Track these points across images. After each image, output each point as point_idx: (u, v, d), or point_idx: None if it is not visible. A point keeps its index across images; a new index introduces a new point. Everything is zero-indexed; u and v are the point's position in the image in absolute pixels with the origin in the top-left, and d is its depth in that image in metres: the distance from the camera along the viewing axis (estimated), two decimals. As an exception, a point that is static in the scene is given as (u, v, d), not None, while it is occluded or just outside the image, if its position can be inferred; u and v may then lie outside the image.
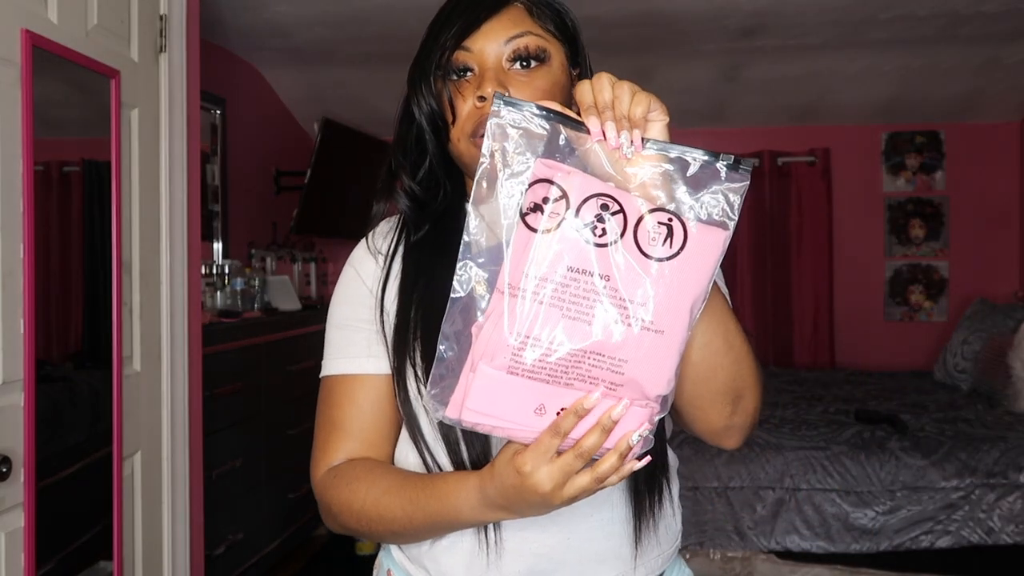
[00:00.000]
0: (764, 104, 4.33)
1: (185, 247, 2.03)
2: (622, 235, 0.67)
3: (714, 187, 0.71)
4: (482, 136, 0.86)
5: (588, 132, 0.70)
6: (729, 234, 0.71)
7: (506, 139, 0.69)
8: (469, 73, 0.89)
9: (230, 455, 2.75)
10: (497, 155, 0.69)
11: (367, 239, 0.98)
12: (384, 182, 0.97)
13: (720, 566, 2.79)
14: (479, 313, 0.69)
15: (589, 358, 0.67)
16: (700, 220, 0.70)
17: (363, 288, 0.95)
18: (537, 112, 0.70)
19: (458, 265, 0.69)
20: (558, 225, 0.66)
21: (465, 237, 0.69)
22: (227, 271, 3.30)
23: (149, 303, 1.90)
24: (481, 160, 0.69)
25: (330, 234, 4.23)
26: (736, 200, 0.71)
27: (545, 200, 0.67)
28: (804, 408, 3.35)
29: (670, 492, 0.95)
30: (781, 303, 4.53)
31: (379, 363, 0.91)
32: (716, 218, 0.71)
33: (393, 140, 0.96)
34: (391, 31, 3.38)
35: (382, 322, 0.91)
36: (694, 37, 3.53)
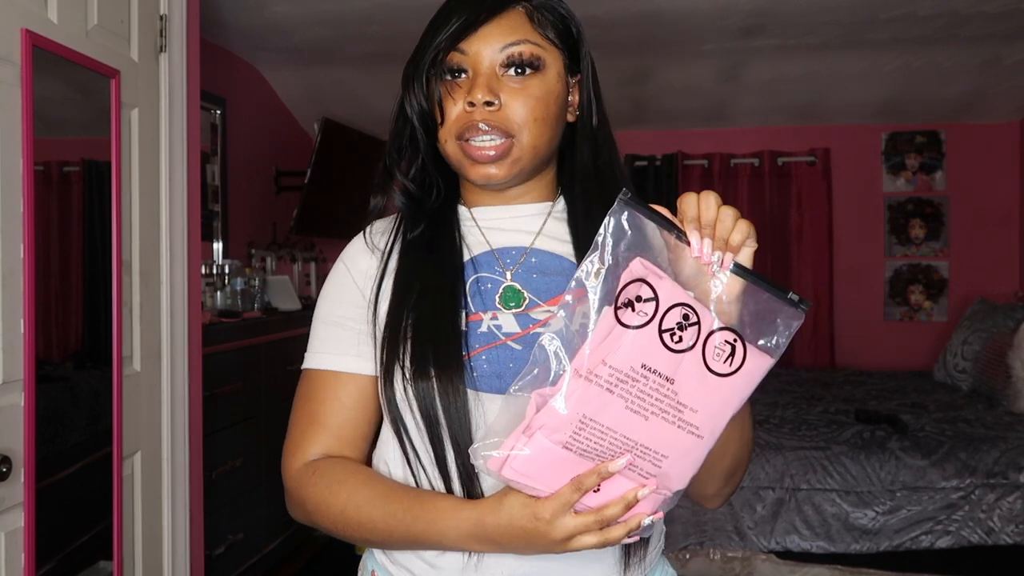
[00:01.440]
0: (764, 104, 4.33)
1: (185, 247, 2.03)
2: (694, 346, 0.73)
3: (774, 317, 0.77)
4: (467, 140, 0.87)
5: (687, 243, 0.75)
6: (773, 362, 0.77)
7: (622, 236, 0.74)
8: (462, 75, 0.88)
9: (230, 455, 2.75)
10: (607, 249, 0.74)
11: (364, 234, 0.98)
12: (380, 178, 0.97)
13: (720, 566, 2.78)
14: (547, 381, 0.74)
15: (637, 448, 0.73)
16: (756, 345, 0.76)
17: (354, 288, 0.95)
18: (650, 216, 0.75)
19: (543, 337, 0.74)
20: (645, 324, 0.72)
21: (560, 313, 0.74)
22: (227, 271, 3.30)
23: (149, 303, 1.90)
24: (594, 248, 0.74)
25: (330, 234, 4.23)
26: (788, 333, 0.77)
27: (639, 299, 0.72)
28: (804, 408, 3.35)
29: None
30: (781, 303, 4.53)
31: (365, 363, 0.92)
32: (769, 346, 0.76)
33: (389, 136, 0.97)
34: (391, 31, 3.38)
35: (374, 323, 0.91)
36: (694, 37, 3.52)
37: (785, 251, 4.55)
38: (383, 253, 0.95)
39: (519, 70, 0.87)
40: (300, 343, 3.44)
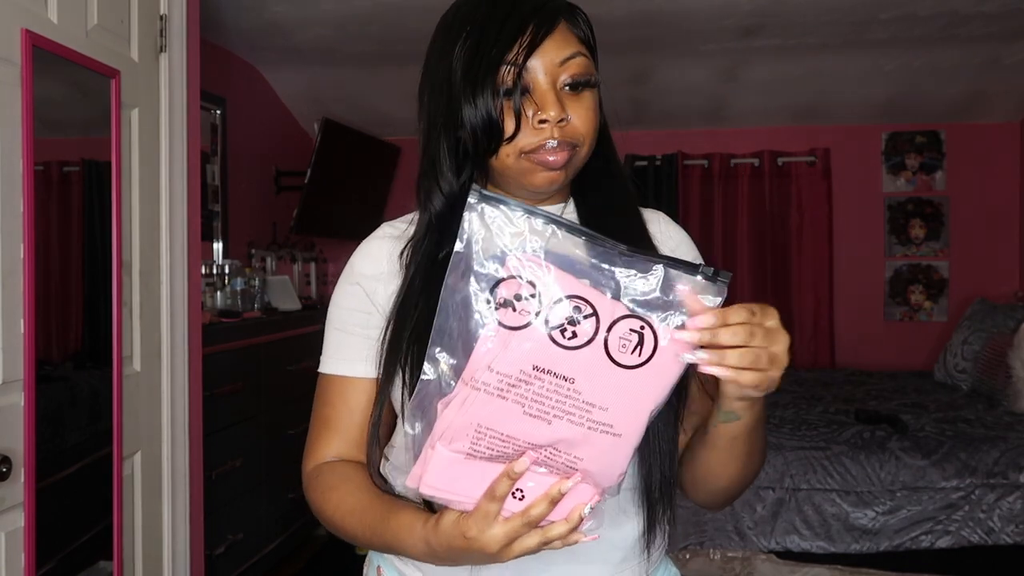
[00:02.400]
0: (764, 104, 4.33)
1: (185, 247, 2.03)
2: (592, 339, 0.67)
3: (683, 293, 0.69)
4: (526, 154, 0.87)
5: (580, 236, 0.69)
6: (692, 348, 0.70)
7: (488, 231, 0.68)
8: (527, 92, 0.88)
9: (230, 455, 2.75)
10: (475, 244, 0.68)
11: (402, 253, 0.95)
12: (426, 184, 0.95)
13: (720, 566, 2.78)
14: (445, 395, 0.70)
15: (546, 450, 0.69)
16: (673, 329, 0.68)
17: (361, 294, 0.95)
18: (521, 211, 0.68)
19: (428, 350, 0.69)
20: (528, 323, 0.66)
21: (437, 320, 0.69)
22: (227, 271, 3.30)
23: (149, 303, 1.90)
24: (457, 247, 0.68)
25: (330, 234, 4.23)
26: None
27: (518, 297, 0.66)
28: (804, 408, 3.35)
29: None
30: (781, 303, 4.53)
31: (373, 368, 0.93)
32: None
33: (430, 142, 0.94)
34: (391, 31, 3.38)
35: (385, 329, 0.91)
36: (694, 37, 3.52)
37: (785, 251, 4.54)
38: (407, 268, 0.94)
39: (579, 88, 0.89)
40: (300, 343, 3.43)
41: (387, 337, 0.90)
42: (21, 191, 1.43)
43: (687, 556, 2.78)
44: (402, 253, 0.95)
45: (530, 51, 0.87)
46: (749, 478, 0.91)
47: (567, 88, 0.88)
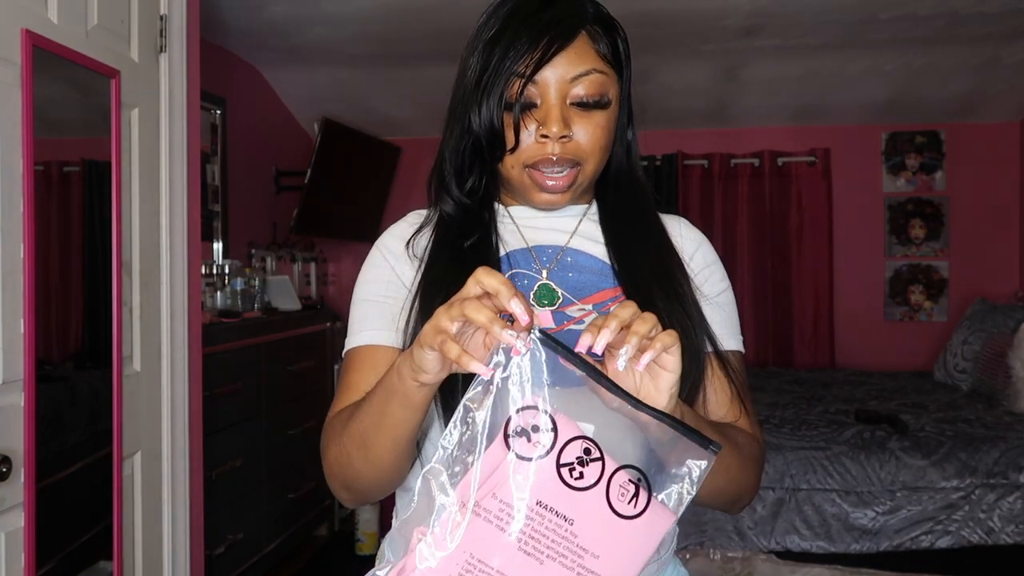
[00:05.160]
0: (764, 104, 4.33)
1: (185, 247, 2.03)
2: (596, 483, 0.66)
3: (682, 458, 0.69)
4: (538, 169, 0.88)
5: (603, 384, 0.68)
6: (675, 519, 0.69)
7: (519, 364, 0.67)
8: (534, 106, 0.89)
9: (230, 455, 2.75)
10: (507, 373, 0.67)
11: (410, 241, 0.97)
12: (437, 188, 0.97)
13: (720, 566, 2.78)
14: (433, 519, 0.66)
15: None
16: (657, 496, 0.68)
17: (387, 268, 0.96)
18: (566, 355, 0.67)
19: (427, 469, 0.67)
20: (542, 456, 0.66)
21: (443, 443, 0.67)
22: (227, 271, 3.30)
23: (149, 303, 1.90)
24: (496, 374, 0.67)
25: (330, 234, 4.23)
26: (696, 472, 0.69)
27: (535, 428, 0.66)
28: (804, 408, 3.35)
29: None
30: (781, 303, 4.53)
31: (399, 338, 0.92)
32: (668, 502, 0.69)
33: (443, 147, 0.96)
34: (391, 31, 3.38)
35: (409, 313, 0.92)
36: (694, 37, 3.52)
37: (785, 251, 4.54)
38: (421, 261, 0.95)
39: (588, 107, 0.88)
40: (300, 343, 3.43)
41: (411, 323, 0.90)
42: (21, 191, 1.43)
43: (687, 556, 2.78)
44: (409, 243, 0.97)
45: (539, 65, 0.86)
46: (745, 487, 0.90)
47: (576, 105, 0.88)
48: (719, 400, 0.94)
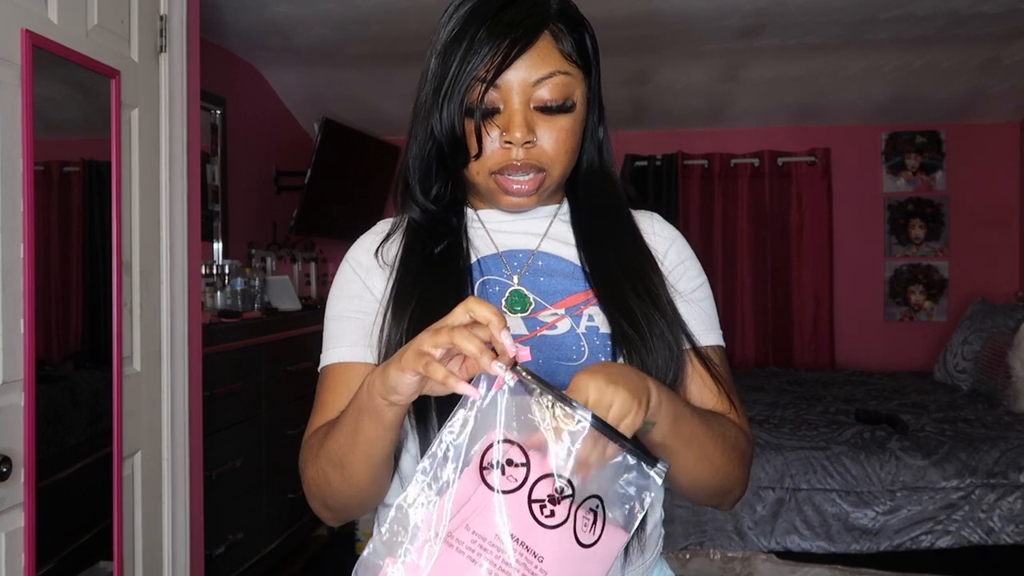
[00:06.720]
0: (764, 104, 4.33)
1: (185, 247, 2.03)
2: (564, 521, 0.66)
3: (627, 476, 0.69)
4: (503, 174, 0.87)
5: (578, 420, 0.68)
6: (628, 537, 0.70)
7: (497, 397, 0.67)
8: (496, 112, 0.87)
9: (230, 455, 2.75)
10: (485, 404, 0.67)
11: (378, 250, 0.97)
12: (402, 196, 0.97)
13: (720, 566, 2.78)
14: (404, 549, 0.66)
15: None
16: (610, 516, 0.69)
17: (358, 282, 0.95)
18: (542, 392, 0.67)
19: (398, 500, 0.67)
20: (514, 490, 0.66)
21: (418, 474, 0.68)
22: (227, 271, 3.30)
23: (149, 303, 1.90)
24: (476, 404, 0.67)
25: (330, 234, 4.23)
26: (646, 498, 0.69)
27: (510, 462, 0.66)
28: (804, 408, 3.35)
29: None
30: (781, 303, 4.53)
31: (372, 354, 0.92)
32: (619, 521, 0.70)
33: (409, 154, 0.95)
34: (391, 31, 3.38)
35: (383, 324, 0.91)
36: (694, 37, 3.52)
37: (785, 251, 4.54)
38: (392, 268, 0.95)
39: (551, 111, 0.87)
40: (300, 343, 3.42)
41: (384, 331, 0.89)
42: (21, 191, 1.43)
43: (687, 556, 2.78)
44: (377, 251, 0.96)
45: (500, 69, 0.84)
46: (730, 477, 0.88)
47: (540, 110, 0.86)
48: (703, 397, 0.93)
